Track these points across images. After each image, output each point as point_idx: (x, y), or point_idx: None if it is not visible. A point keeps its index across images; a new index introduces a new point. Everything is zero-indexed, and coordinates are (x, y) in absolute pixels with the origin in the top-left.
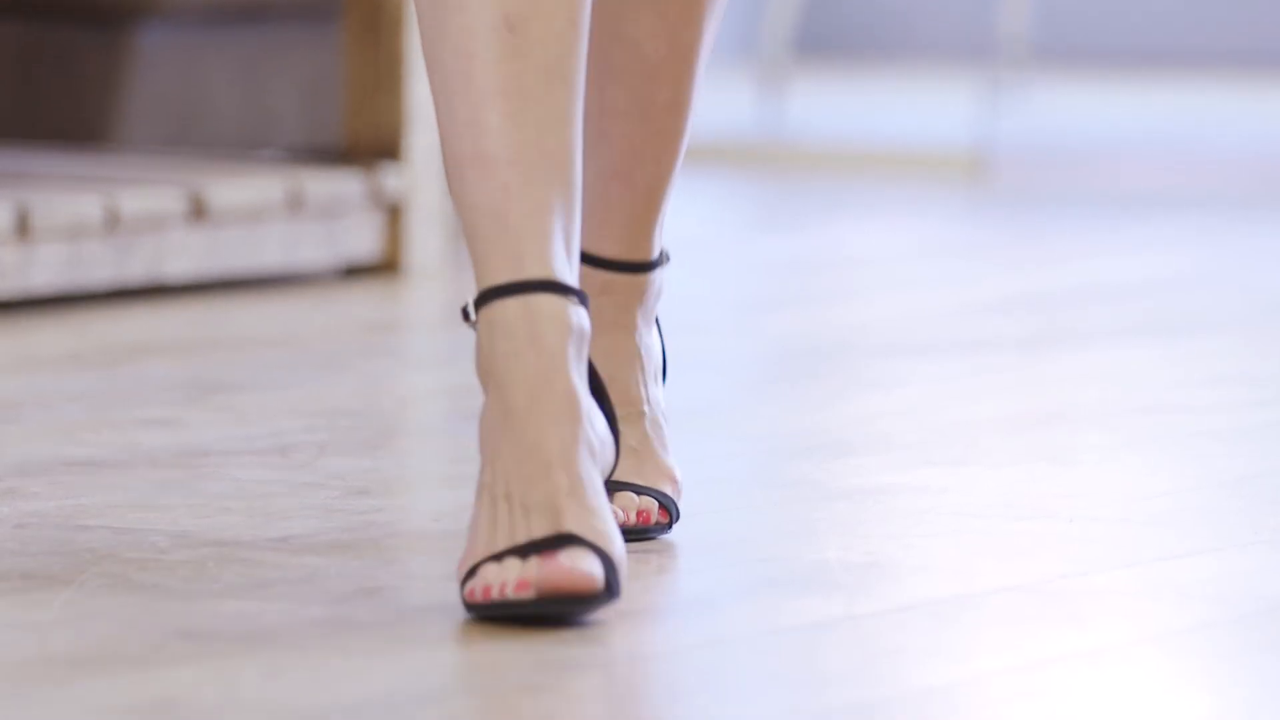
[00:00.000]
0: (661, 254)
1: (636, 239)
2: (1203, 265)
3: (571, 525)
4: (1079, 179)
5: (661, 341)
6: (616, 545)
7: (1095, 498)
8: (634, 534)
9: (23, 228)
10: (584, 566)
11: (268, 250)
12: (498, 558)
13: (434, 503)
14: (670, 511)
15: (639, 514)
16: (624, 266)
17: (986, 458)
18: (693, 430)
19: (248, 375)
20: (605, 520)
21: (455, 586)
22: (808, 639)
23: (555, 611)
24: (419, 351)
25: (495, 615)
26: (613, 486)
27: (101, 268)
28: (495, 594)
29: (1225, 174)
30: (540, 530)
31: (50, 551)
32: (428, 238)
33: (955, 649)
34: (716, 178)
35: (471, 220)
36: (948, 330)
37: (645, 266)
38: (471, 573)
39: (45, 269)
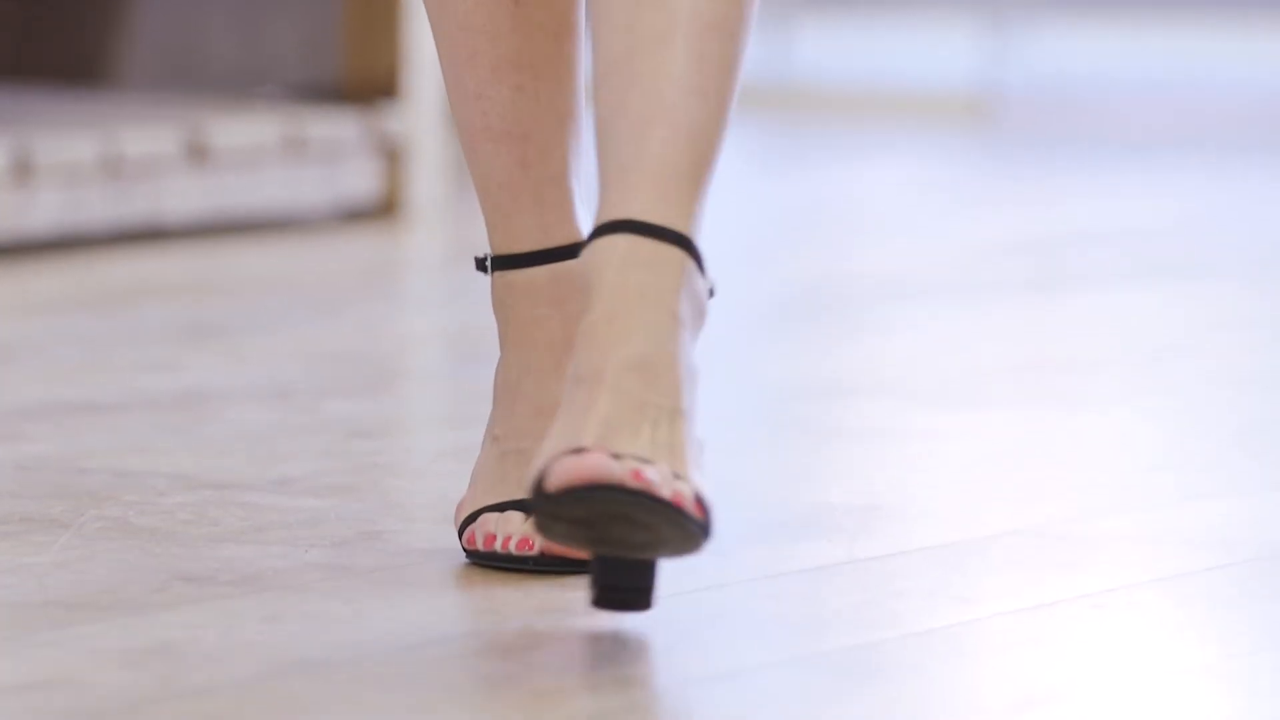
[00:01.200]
0: (709, 276)
1: (680, 200)
2: (1208, 208)
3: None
4: (1085, 121)
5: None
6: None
7: (1100, 443)
8: (667, 510)
9: (21, 170)
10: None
11: (267, 192)
12: (499, 508)
13: (435, 445)
14: (706, 510)
15: (676, 493)
16: (668, 235)
17: (991, 402)
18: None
19: (247, 318)
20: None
21: (455, 530)
22: (809, 582)
23: (559, 570)
24: (419, 294)
25: (494, 566)
26: (649, 462)
27: (100, 210)
28: (498, 545)
29: (1231, 117)
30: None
31: (49, 495)
32: (428, 179)
33: (958, 593)
34: None
35: (485, 189)
36: (953, 274)
37: (690, 246)
38: (473, 518)
39: (43, 211)
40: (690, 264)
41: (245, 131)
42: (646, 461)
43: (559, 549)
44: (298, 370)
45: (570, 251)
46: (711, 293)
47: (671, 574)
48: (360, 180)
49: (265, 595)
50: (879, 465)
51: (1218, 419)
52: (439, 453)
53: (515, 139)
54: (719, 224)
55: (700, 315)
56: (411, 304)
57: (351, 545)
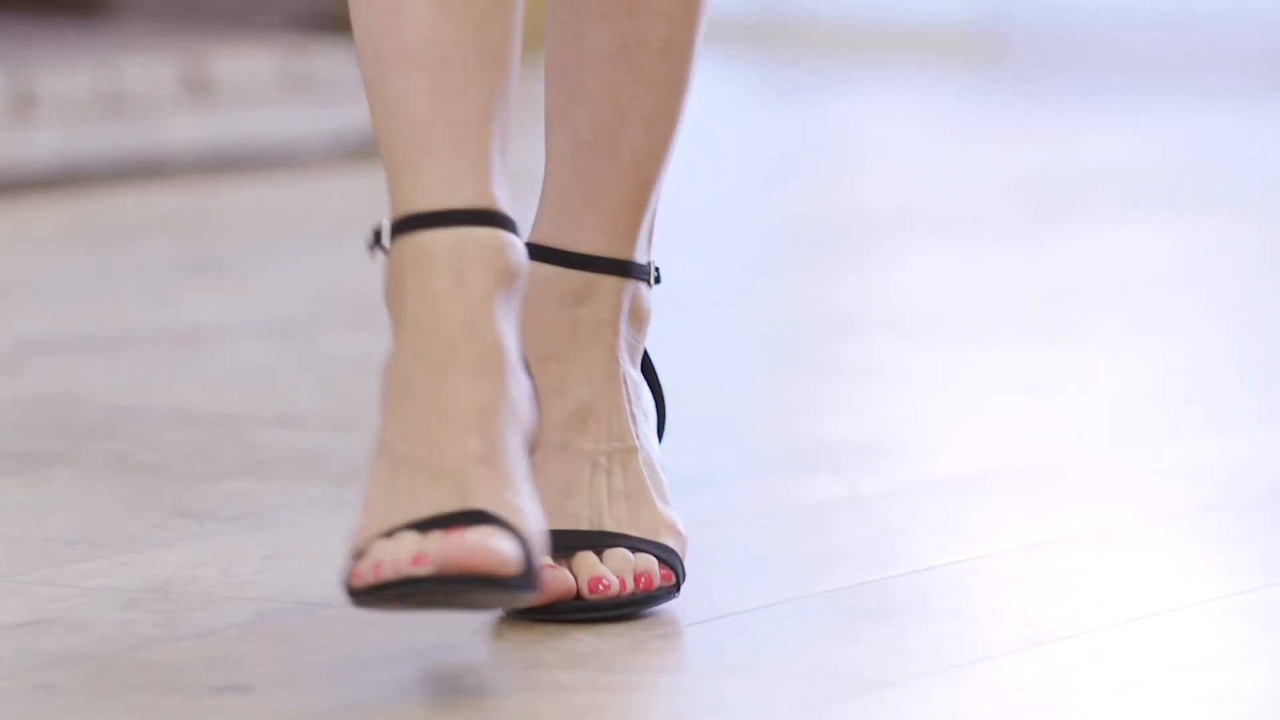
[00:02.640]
0: (651, 267)
1: (621, 229)
2: (1210, 143)
3: (482, 499)
4: (1088, 56)
5: (659, 392)
6: (534, 524)
7: (1102, 378)
8: (632, 604)
9: (20, 104)
10: (494, 544)
11: (268, 126)
12: (390, 534)
13: None
14: (675, 570)
15: (637, 578)
16: (606, 265)
17: (994, 338)
18: (697, 309)
19: (248, 254)
20: (523, 495)
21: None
22: (811, 519)
23: (457, 594)
24: None
25: (384, 600)
26: (600, 540)
27: (99, 144)
28: (386, 572)
29: (1236, 51)
30: (445, 503)
31: (48, 431)
32: None
33: (962, 528)
34: (719, 56)
35: (390, 128)
36: (954, 210)
37: (632, 269)
38: (361, 554)
39: (42, 146)
40: (630, 286)
41: (246, 65)
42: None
43: (455, 558)
44: (298, 305)
45: (480, 217)
46: (658, 280)
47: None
48: (362, 113)
49: (265, 532)
50: (881, 401)
51: (1220, 353)
52: None
53: (431, 65)
54: (720, 159)
55: (643, 324)
56: None
57: (351, 481)
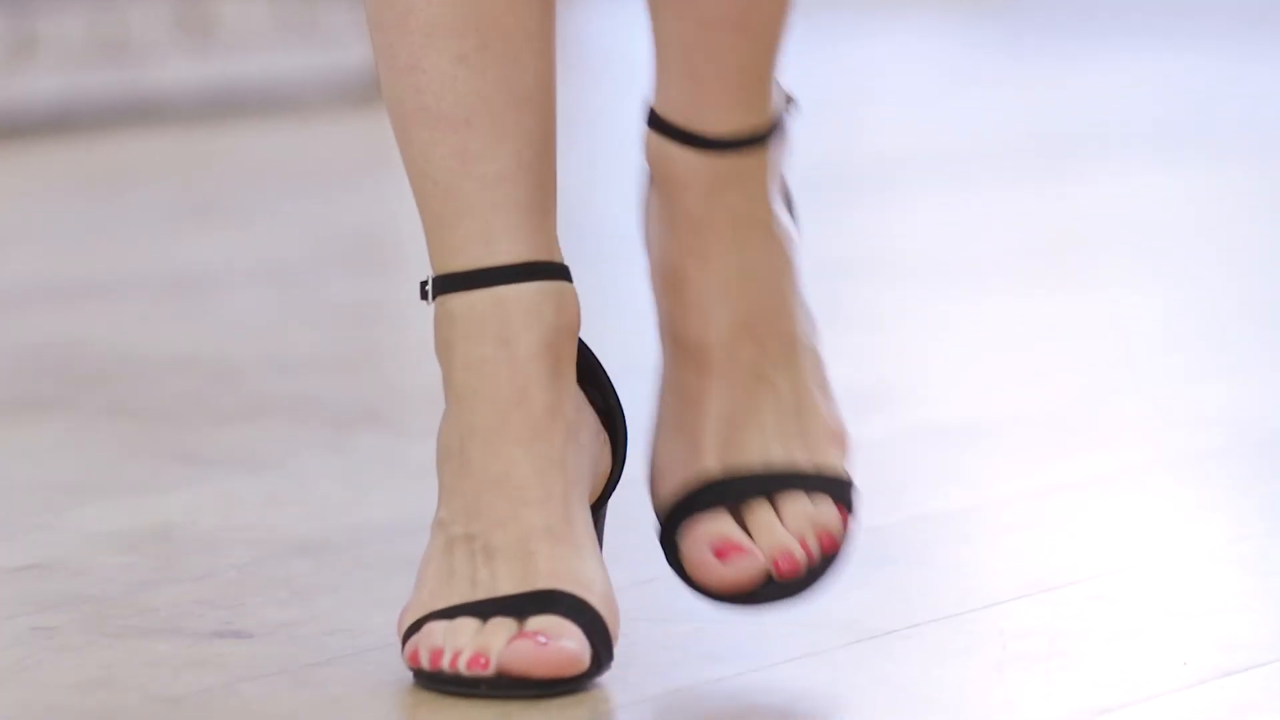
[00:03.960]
0: (786, 99)
1: (760, 98)
2: (1213, 86)
3: (546, 577)
4: (1091, 2)
5: (793, 214)
6: (604, 595)
7: (1106, 325)
8: (822, 574)
9: (18, 49)
10: (562, 643)
11: (267, 70)
12: (449, 614)
13: None
14: (849, 505)
15: (820, 536)
16: (749, 141)
17: (998, 285)
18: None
19: (247, 198)
20: (589, 561)
21: None
22: None
23: (519, 695)
24: None
25: (442, 690)
26: (772, 483)
27: (98, 88)
28: (445, 664)
29: None
30: (507, 584)
31: (47, 376)
32: None
33: (964, 475)
34: None
35: (421, 187)
36: (960, 156)
37: (772, 131)
38: (416, 627)
39: (41, 90)
40: (774, 150)
41: (245, 8)
42: (781, 494)
43: (519, 668)
44: (298, 250)
45: (521, 272)
46: (793, 101)
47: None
48: (362, 56)
49: (264, 477)
50: (883, 348)
51: (1223, 299)
52: None
53: (454, 124)
54: None
55: (784, 156)
56: None
57: (351, 427)
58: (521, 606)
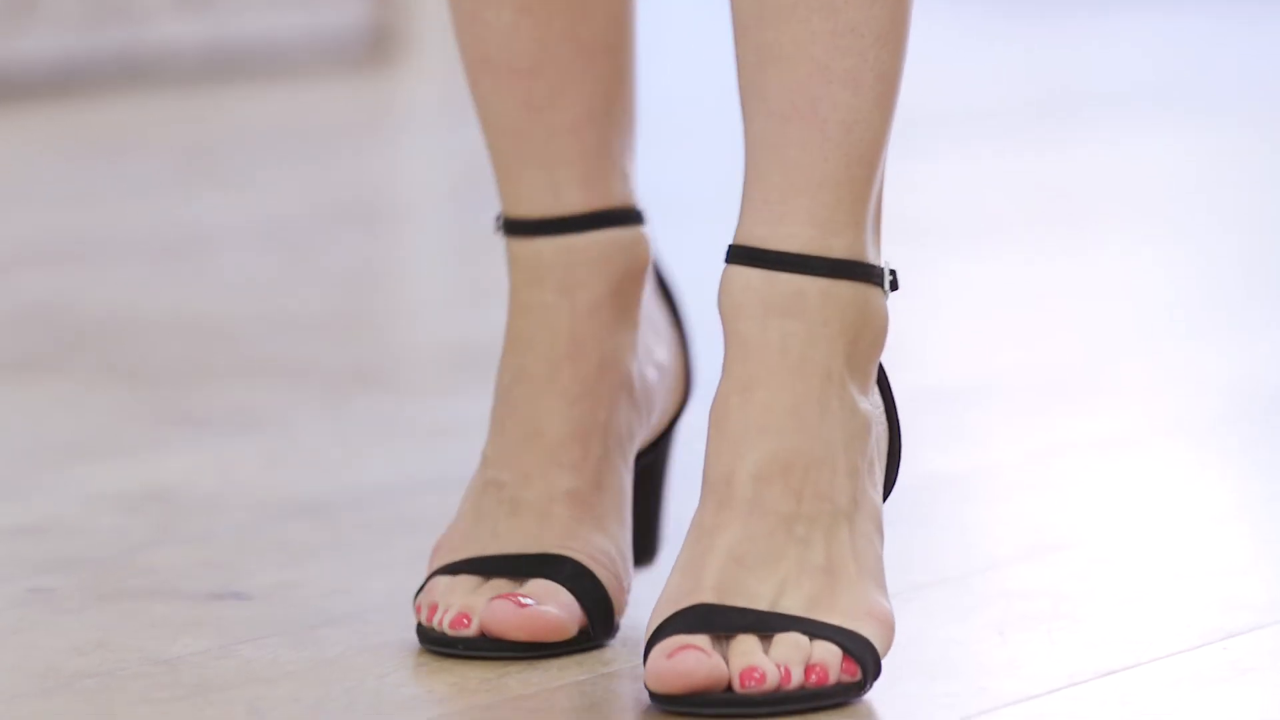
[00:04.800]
0: (886, 268)
1: (833, 217)
2: (1217, 46)
3: (557, 542)
4: None
5: (894, 425)
6: (612, 566)
7: (1108, 286)
8: (796, 699)
9: (16, 8)
10: (544, 608)
11: (265, 30)
12: (453, 569)
13: (435, 287)
14: (863, 664)
15: (809, 669)
16: (816, 265)
17: (1004, 245)
18: (692, 216)
19: (245, 158)
20: (609, 532)
21: (456, 373)
22: None
23: (506, 656)
24: (421, 136)
25: (434, 649)
26: (770, 623)
27: (95, 48)
28: (436, 620)
29: None
30: (519, 542)
31: (44, 337)
32: (428, 13)
33: (969, 436)
34: None
35: (489, 135)
36: (962, 117)
37: (851, 269)
38: (425, 583)
39: (37, 50)
40: (853, 292)
41: None
42: (770, 630)
43: (497, 629)
44: (297, 213)
45: (586, 221)
46: (894, 285)
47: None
48: (359, 15)
49: (262, 439)
50: (891, 307)
51: (1227, 260)
52: (440, 295)
53: (519, 74)
54: (720, 61)
55: (877, 342)
56: (414, 146)
57: (350, 388)
58: (523, 568)
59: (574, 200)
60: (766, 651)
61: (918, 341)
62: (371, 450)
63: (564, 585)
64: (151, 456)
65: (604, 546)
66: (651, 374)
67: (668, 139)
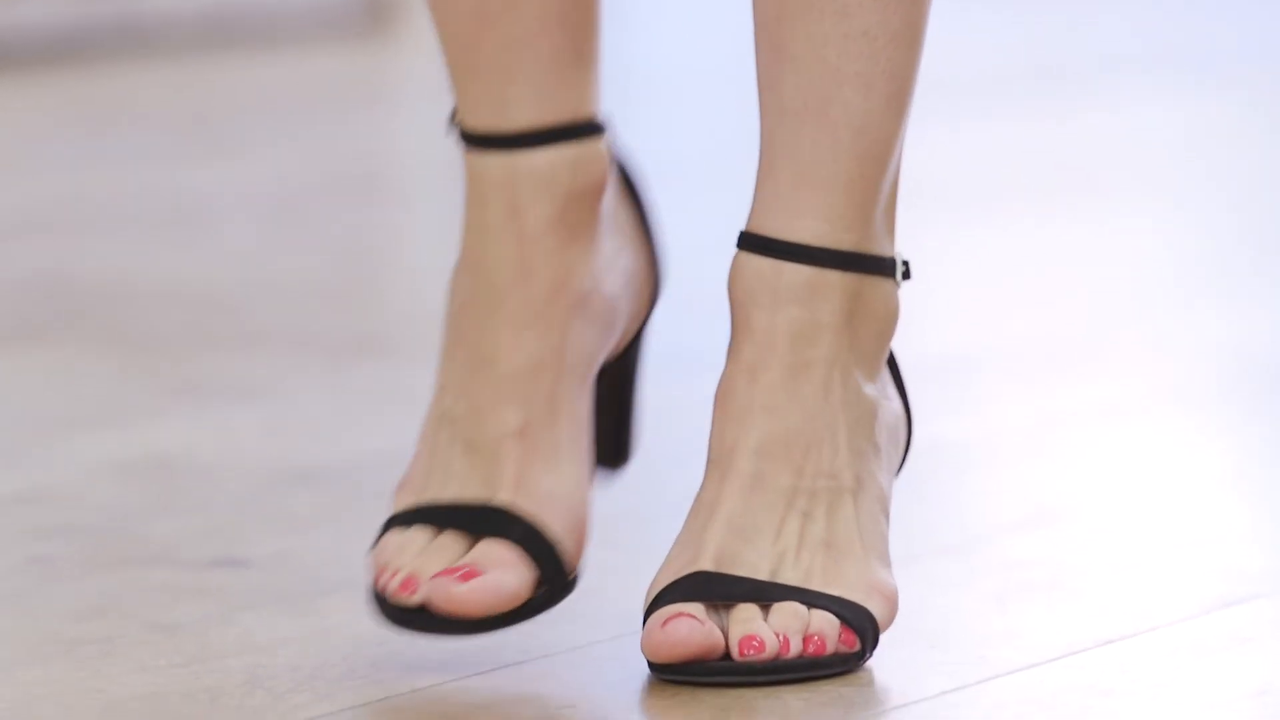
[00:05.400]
0: (898, 259)
1: (844, 213)
2: (1221, 13)
3: (509, 489)
4: None
5: (905, 403)
6: (569, 513)
7: (1110, 254)
8: (792, 669)
9: None
10: (491, 580)
11: (266, 0)
12: (406, 519)
13: (434, 255)
14: (862, 635)
15: (807, 639)
16: (826, 257)
17: (1003, 213)
18: (688, 181)
19: (245, 129)
20: (561, 470)
21: None
22: None
23: (450, 632)
24: (419, 104)
25: (383, 618)
26: (769, 592)
27: (90, 16)
28: (382, 584)
29: None
30: (470, 487)
31: (43, 306)
32: None
33: (968, 404)
34: None
35: (442, 45)
36: (962, 86)
37: (860, 261)
38: (377, 540)
39: (32, 19)
40: (860, 283)
41: None
42: (770, 597)
43: (446, 607)
44: (296, 182)
45: (536, 138)
46: (907, 275)
47: (659, 386)
48: None
49: (262, 407)
50: None
51: (1226, 228)
52: (436, 264)
53: None
54: (722, 25)
55: (885, 331)
56: (411, 114)
57: (349, 355)
58: (475, 522)
59: (522, 116)
60: (765, 620)
61: (918, 310)
62: (370, 418)
63: (517, 544)
64: (151, 425)
65: (556, 490)
66: (615, 283)
67: (667, 101)
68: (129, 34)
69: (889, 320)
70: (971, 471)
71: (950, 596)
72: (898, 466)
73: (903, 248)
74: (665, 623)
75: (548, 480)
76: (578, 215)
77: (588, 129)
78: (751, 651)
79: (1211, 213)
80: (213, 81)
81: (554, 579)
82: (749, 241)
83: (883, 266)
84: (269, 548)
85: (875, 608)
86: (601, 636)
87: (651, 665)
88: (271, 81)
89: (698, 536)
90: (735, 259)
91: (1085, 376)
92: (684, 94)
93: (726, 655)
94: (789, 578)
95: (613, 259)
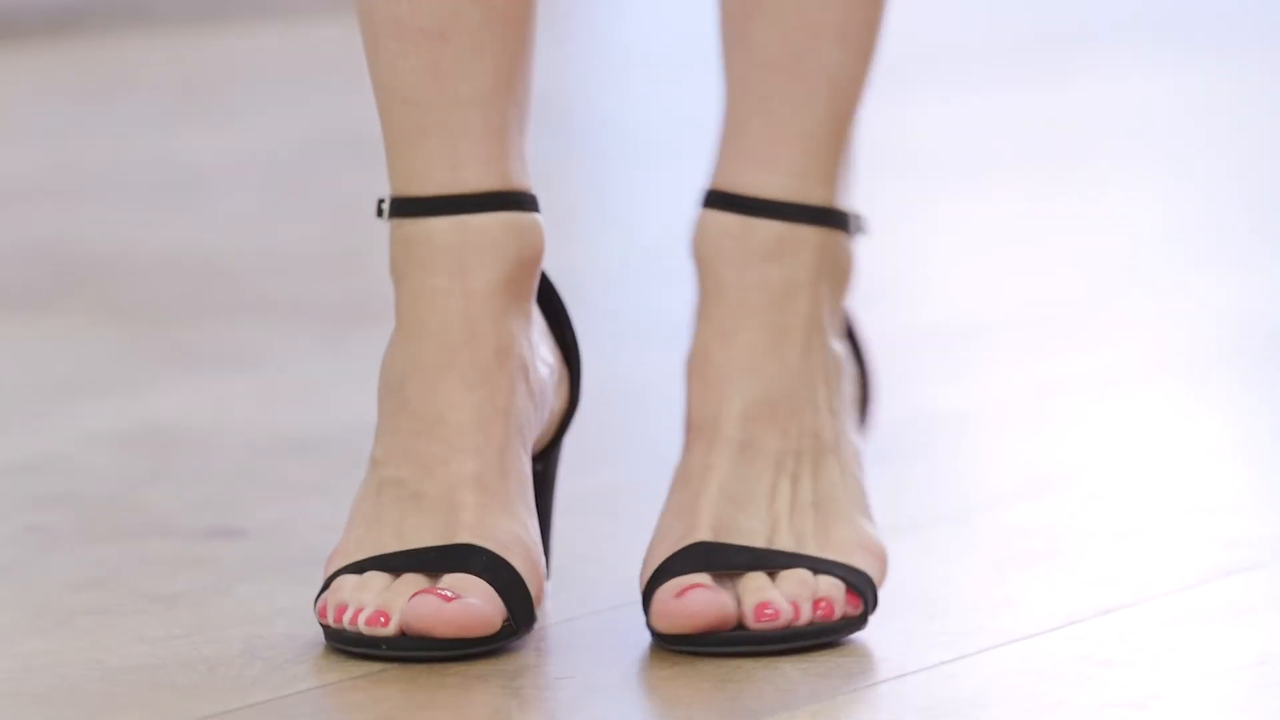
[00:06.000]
0: (854, 214)
1: (815, 167)
2: None
3: (468, 533)
4: None
5: (862, 364)
6: (527, 555)
7: (1111, 221)
8: (806, 635)
9: None
10: (469, 601)
11: None
12: (358, 568)
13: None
14: (863, 595)
15: (816, 603)
16: (799, 212)
17: (1002, 181)
18: (685, 149)
19: (241, 98)
20: (519, 519)
21: None
22: None
23: (424, 655)
24: None
25: (346, 650)
26: (774, 559)
27: None
28: (347, 621)
29: None
30: (425, 535)
31: (39, 275)
32: None
33: (967, 372)
34: None
35: (387, 104)
36: (960, 54)
37: (830, 216)
38: (328, 583)
39: None
40: (828, 238)
41: None
42: (776, 564)
43: (420, 626)
44: (291, 150)
45: (485, 202)
46: (861, 229)
47: (658, 358)
48: None
49: (259, 376)
50: (885, 244)
51: (1225, 196)
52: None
53: (428, 37)
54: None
55: (844, 283)
56: None
57: (345, 323)
58: (435, 562)
59: (472, 178)
60: (775, 585)
61: (917, 278)
62: (367, 387)
63: (481, 577)
64: (147, 394)
65: (516, 533)
66: (543, 370)
67: (666, 81)
68: (125, 3)
69: (851, 274)
70: (970, 440)
71: (949, 566)
72: (868, 421)
73: (901, 215)
74: (681, 593)
75: (506, 523)
76: (518, 286)
77: (529, 201)
78: (767, 619)
79: (1211, 181)
80: (210, 50)
81: (518, 612)
82: (717, 199)
83: (847, 221)
84: (267, 517)
85: (869, 567)
86: (599, 607)
87: (661, 636)
88: (269, 49)
89: (691, 507)
90: (701, 217)
91: (1084, 345)
92: (680, 73)
93: (738, 624)
94: (785, 543)
95: (539, 343)
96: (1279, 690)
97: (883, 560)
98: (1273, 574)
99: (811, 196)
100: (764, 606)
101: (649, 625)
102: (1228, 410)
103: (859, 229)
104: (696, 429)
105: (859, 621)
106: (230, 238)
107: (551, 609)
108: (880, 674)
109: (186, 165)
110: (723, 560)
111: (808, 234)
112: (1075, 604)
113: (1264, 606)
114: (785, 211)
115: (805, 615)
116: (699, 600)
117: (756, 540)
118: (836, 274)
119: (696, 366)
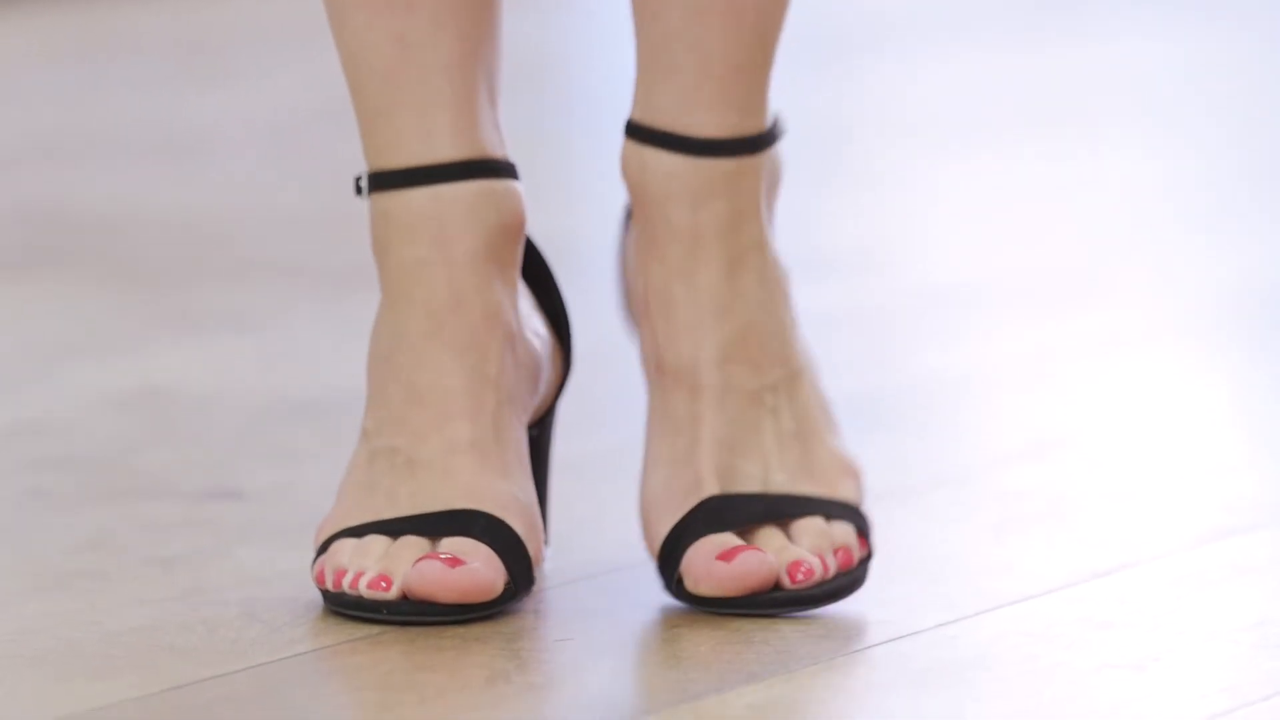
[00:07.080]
0: (780, 122)
1: (751, 98)
2: None
3: (465, 497)
4: None
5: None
6: (526, 518)
7: (1110, 184)
8: (835, 586)
9: None
10: (472, 565)
11: None
12: (357, 531)
13: None
14: (868, 536)
15: (836, 552)
16: (743, 145)
17: (1001, 144)
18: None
19: (242, 60)
20: (516, 480)
21: None
22: (811, 328)
23: (427, 618)
24: None
25: (346, 613)
26: (785, 507)
27: None
28: (347, 585)
29: None
30: (424, 501)
31: (38, 237)
32: None
33: (965, 336)
34: None
35: (356, 77)
36: (959, 15)
37: (768, 139)
38: (325, 546)
39: None
40: (767, 157)
41: None
42: (801, 512)
43: (423, 590)
44: (292, 113)
45: (461, 170)
46: (781, 125)
47: None
48: None
49: (257, 338)
50: (883, 208)
51: (1224, 160)
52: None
53: (394, 8)
54: None
55: (777, 186)
56: None
57: (344, 288)
58: (435, 526)
59: (445, 148)
60: (793, 539)
61: (917, 241)
62: (365, 348)
63: (481, 541)
64: (147, 356)
65: (514, 494)
66: (535, 342)
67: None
68: None
69: (782, 174)
70: (969, 403)
71: (948, 528)
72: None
73: (901, 178)
74: (727, 556)
75: (503, 485)
76: (501, 253)
77: (505, 168)
78: (803, 578)
79: (1211, 144)
80: (214, 11)
81: (519, 575)
82: (662, 139)
83: (778, 136)
84: (265, 479)
85: (854, 492)
86: (598, 570)
87: (697, 599)
88: (273, 12)
89: (690, 458)
90: (642, 155)
91: (1084, 308)
92: None
93: (777, 586)
94: (779, 482)
95: (529, 316)
96: (1278, 652)
97: (860, 479)
98: (1272, 536)
99: (752, 127)
100: (797, 565)
101: (676, 586)
102: (1227, 373)
103: (784, 130)
104: (673, 375)
105: (868, 560)
106: (232, 200)
107: (550, 571)
108: (879, 635)
109: (189, 127)
110: (736, 516)
111: (752, 164)
112: (1074, 566)
113: (1264, 568)
114: (734, 148)
115: (831, 567)
116: (750, 562)
117: (753, 484)
118: (773, 184)
119: (659, 309)
